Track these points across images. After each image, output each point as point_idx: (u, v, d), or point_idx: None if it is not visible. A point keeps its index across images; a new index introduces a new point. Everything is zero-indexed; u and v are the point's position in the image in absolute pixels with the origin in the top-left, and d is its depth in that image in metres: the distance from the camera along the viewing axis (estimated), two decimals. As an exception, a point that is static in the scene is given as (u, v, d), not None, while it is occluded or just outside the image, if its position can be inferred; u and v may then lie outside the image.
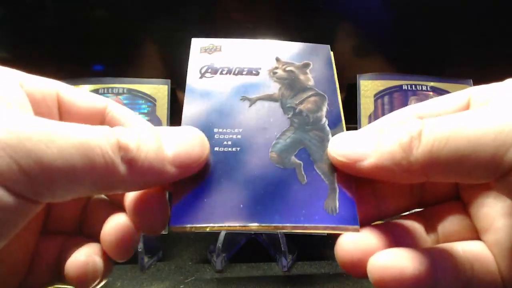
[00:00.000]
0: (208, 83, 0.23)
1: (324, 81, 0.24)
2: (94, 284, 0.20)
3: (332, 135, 0.21)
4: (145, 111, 0.50)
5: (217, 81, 0.23)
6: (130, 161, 0.16)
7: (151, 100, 0.50)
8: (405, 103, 0.51)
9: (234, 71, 0.24)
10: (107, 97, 0.49)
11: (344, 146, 0.19)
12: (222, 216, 0.18)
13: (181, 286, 0.45)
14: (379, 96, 0.51)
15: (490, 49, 0.59)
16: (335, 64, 0.25)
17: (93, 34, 0.54)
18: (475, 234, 0.21)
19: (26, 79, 0.19)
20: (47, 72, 0.21)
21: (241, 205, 0.19)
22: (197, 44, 0.25)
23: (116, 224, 0.20)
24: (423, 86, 0.52)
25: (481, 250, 0.20)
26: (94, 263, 0.20)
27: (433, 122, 0.17)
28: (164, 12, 0.54)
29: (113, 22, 0.55)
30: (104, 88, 0.50)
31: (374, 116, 0.50)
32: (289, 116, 0.22)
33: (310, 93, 0.23)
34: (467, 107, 0.20)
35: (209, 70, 0.24)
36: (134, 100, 0.50)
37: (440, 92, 0.52)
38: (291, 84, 0.23)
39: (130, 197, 0.20)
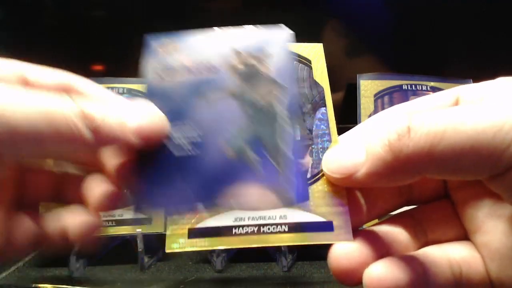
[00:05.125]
0: (166, 87, 0.22)
1: (284, 70, 0.23)
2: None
3: (292, 128, 0.21)
4: (145, 111, 0.50)
5: (176, 84, 0.23)
6: (95, 129, 0.17)
7: (151, 100, 0.50)
8: (405, 103, 0.51)
9: (193, 71, 0.23)
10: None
11: (336, 162, 0.19)
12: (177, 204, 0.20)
13: (181, 286, 0.45)
14: (379, 96, 0.51)
15: (490, 49, 0.59)
16: (336, 62, 0.24)
17: (93, 34, 0.54)
18: (464, 234, 0.21)
19: None
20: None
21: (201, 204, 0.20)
22: (152, 42, 0.24)
23: (97, 181, 0.21)
24: (423, 86, 0.52)
25: (469, 252, 0.20)
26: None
27: (423, 116, 0.16)
28: (164, 11, 0.54)
29: (113, 22, 0.55)
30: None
31: (374, 116, 0.50)
32: (249, 112, 0.22)
33: (270, 86, 0.23)
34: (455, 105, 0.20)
35: (167, 73, 0.23)
36: (134, 100, 0.50)
37: (440, 92, 0.52)
38: (251, 78, 0.23)
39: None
